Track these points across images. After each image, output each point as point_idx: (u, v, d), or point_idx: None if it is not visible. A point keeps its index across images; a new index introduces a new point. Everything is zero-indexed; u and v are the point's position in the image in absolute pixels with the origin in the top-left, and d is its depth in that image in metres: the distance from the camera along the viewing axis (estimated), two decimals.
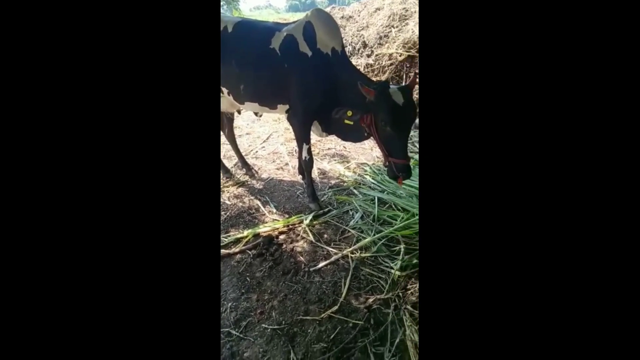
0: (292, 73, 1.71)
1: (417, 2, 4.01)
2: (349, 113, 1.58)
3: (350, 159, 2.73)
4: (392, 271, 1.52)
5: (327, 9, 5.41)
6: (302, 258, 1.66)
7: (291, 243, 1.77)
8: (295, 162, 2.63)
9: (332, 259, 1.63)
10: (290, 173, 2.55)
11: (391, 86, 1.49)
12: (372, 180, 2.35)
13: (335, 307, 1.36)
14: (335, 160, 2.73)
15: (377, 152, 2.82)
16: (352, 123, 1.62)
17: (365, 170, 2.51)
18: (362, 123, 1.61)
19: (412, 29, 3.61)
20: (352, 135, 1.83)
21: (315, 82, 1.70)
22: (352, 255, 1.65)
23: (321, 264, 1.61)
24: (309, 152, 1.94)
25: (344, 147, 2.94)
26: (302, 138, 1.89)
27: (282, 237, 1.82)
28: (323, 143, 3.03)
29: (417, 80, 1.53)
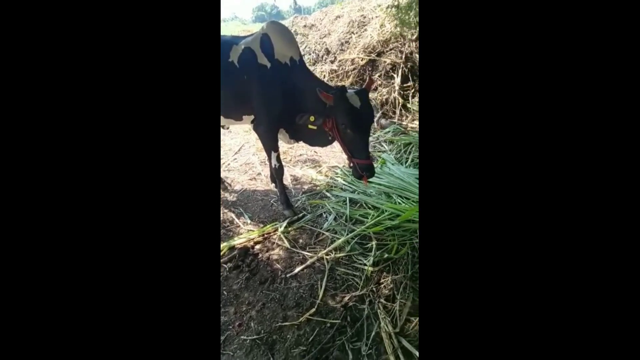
0: (252, 84, 1.75)
1: (373, 9, 4.20)
2: (312, 118, 1.63)
3: (322, 163, 2.79)
4: (366, 267, 1.57)
5: (290, 19, 5.51)
6: (278, 265, 1.68)
7: (267, 252, 1.78)
8: (267, 171, 2.65)
9: (308, 262, 1.66)
10: (264, 182, 2.56)
11: (348, 90, 1.56)
12: (344, 182, 2.42)
13: (313, 310, 1.39)
14: (307, 165, 2.78)
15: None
16: (315, 128, 1.68)
17: (337, 173, 2.58)
18: (325, 127, 1.67)
19: (370, 34, 3.77)
20: (318, 140, 1.89)
21: (277, 91, 1.74)
22: (327, 257, 1.69)
23: (297, 269, 1.63)
24: (278, 159, 1.97)
25: (315, 152, 2.99)
26: (270, 146, 1.93)
27: (257, 246, 1.83)
28: (295, 150, 3.07)
29: (373, 83, 1.63)
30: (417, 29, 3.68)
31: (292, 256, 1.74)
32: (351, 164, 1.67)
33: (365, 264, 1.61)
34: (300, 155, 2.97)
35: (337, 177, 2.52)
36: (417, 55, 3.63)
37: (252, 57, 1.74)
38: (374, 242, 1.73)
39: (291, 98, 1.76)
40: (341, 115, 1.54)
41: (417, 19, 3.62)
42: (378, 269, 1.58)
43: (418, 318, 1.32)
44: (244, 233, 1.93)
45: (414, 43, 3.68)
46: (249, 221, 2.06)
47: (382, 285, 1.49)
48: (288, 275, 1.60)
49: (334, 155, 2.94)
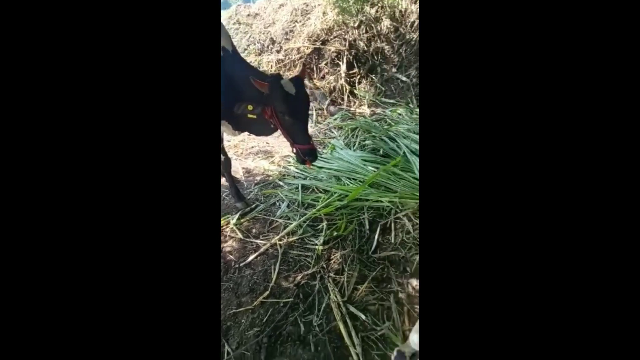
0: None
1: None
2: (250, 107, 1.62)
3: (274, 154, 2.81)
4: (317, 247, 1.66)
5: (233, 7, 5.28)
6: (231, 257, 1.69)
7: (220, 244, 1.77)
8: None
9: (261, 250, 1.70)
10: None
11: (283, 78, 1.59)
12: (296, 170, 2.46)
13: (267, 293, 1.44)
14: (259, 157, 2.77)
15: None
16: (255, 117, 1.68)
17: (289, 162, 2.62)
18: (265, 116, 1.67)
19: (313, 22, 3.79)
20: (261, 128, 1.89)
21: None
22: (280, 242, 1.74)
23: (251, 257, 1.66)
24: (223, 152, 1.94)
25: (267, 143, 2.99)
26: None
27: None
28: (246, 142, 3.04)
29: (306, 70, 1.66)
30: (358, 17, 3.79)
31: (246, 246, 1.76)
32: (294, 150, 1.72)
33: (316, 244, 1.69)
34: (252, 147, 2.95)
35: (290, 165, 2.56)
36: (361, 43, 3.75)
37: None
38: (324, 223, 1.82)
39: (229, 89, 1.73)
40: (278, 102, 1.56)
41: (357, 6, 3.73)
42: (328, 247, 1.67)
43: (364, 285, 1.44)
44: None
45: (356, 30, 3.79)
46: None
47: (332, 261, 1.59)
48: (242, 265, 1.63)
49: (287, 145, 2.96)
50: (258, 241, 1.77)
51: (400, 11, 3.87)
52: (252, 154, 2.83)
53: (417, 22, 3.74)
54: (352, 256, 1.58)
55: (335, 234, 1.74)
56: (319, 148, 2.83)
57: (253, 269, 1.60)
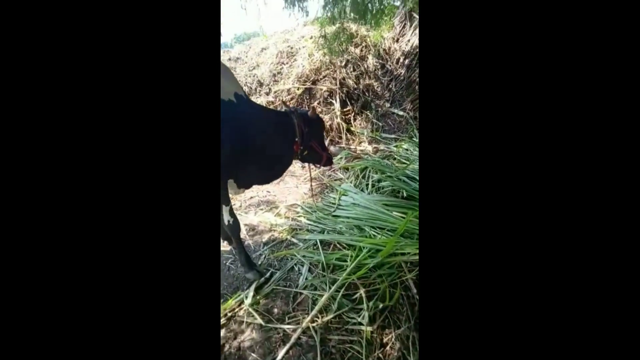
0: None
1: (298, 40, 4.25)
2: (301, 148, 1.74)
3: (278, 203, 2.50)
4: (363, 328, 1.32)
5: None
6: (255, 355, 1.29)
7: (235, 338, 1.37)
8: None
9: (292, 340, 1.32)
10: None
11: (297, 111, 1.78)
12: (308, 222, 2.16)
13: None
14: (261, 209, 2.44)
15: (303, 189, 2.68)
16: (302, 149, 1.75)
17: (298, 212, 2.32)
18: (297, 148, 1.73)
19: (301, 64, 3.76)
20: (277, 168, 1.79)
21: (226, 136, 1.44)
22: (313, 325, 1.38)
23: (281, 354, 1.28)
24: (232, 213, 1.62)
25: (268, 191, 2.69)
26: (220, 200, 1.58)
27: (222, 333, 1.41)
28: (244, 193, 2.71)
29: (315, 110, 1.86)
30: (344, 57, 3.82)
31: (270, 335, 1.37)
32: (320, 164, 1.89)
33: (360, 323, 1.35)
34: (251, 198, 2.63)
35: (300, 216, 2.26)
36: (350, 81, 3.74)
37: None
38: (361, 291, 1.50)
39: (243, 138, 1.49)
40: (321, 123, 1.84)
41: (342, 47, 3.76)
42: (377, 325, 1.34)
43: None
44: None
45: (344, 69, 3.79)
46: None
47: (388, 347, 1.25)
48: None
49: (289, 192, 2.69)
50: (285, 326, 1.39)
51: (384, 49, 3.97)
52: (253, 206, 2.50)
53: (402, 59, 3.84)
54: (412, 336, 1.26)
55: (380, 305, 1.42)
56: (326, 192, 2.58)
57: None
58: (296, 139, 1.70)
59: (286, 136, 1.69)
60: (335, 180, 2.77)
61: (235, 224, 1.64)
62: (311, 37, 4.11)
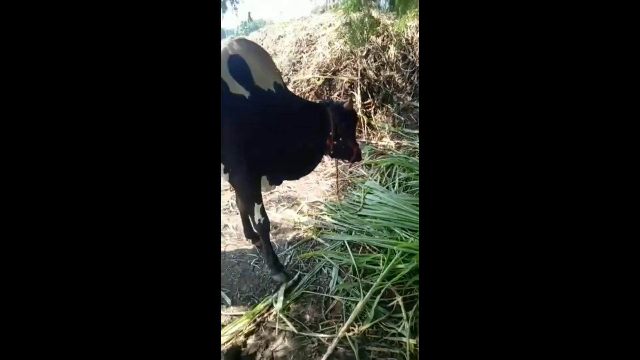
0: (225, 123, 1.24)
1: (317, 27, 4.07)
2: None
3: (300, 200, 2.41)
4: (405, 340, 1.23)
5: (227, 39, 5.06)
6: None
7: (267, 347, 1.30)
8: (235, 221, 2.14)
9: (329, 351, 1.24)
10: (233, 238, 2.05)
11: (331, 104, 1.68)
12: (333, 220, 2.07)
13: None
14: (283, 205, 2.35)
15: (324, 186, 2.58)
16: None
17: (321, 210, 2.22)
18: (329, 142, 1.62)
19: (321, 52, 3.60)
20: (309, 163, 1.71)
21: (260, 127, 1.34)
22: (350, 334, 1.30)
23: None
24: (262, 212, 1.53)
25: (288, 187, 2.59)
26: (251, 198, 1.49)
27: (251, 340, 1.34)
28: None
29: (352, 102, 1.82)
30: (365, 46, 3.65)
31: (304, 344, 1.30)
32: (350, 160, 1.75)
33: (401, 334, 1.27)
34: (271, 193, 2.53)
35: (323, 214, 2.16)
36: (370, 72, 3.57)
37: (222, 87, 1.29)
38: (399, 299, 1.41)
39: (280, 131, 1.40)
40: (354, 116, 1.74)
41: (364, 35, 3.58)
42: (419, 337, 1.25)
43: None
44: (227, 324, 1.41)
45: (365, 60, 3.63)
46: (228, 301, 1.54)
47: None
48: None
49: (310, 189, 2.59)
50: (319, 335, 1.32)
51: (407, 39, 3.78)
52: (274, 202, 2.41)
53: None
54: None
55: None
56: (349, 189, 2.48)
57: None
58: (330, 133, 1.59)
59: (321, 130, 1.58)
60: (358, 177, 2.66)
61: (266, 224, 1.55)
62: (330, 25, 3.92)
